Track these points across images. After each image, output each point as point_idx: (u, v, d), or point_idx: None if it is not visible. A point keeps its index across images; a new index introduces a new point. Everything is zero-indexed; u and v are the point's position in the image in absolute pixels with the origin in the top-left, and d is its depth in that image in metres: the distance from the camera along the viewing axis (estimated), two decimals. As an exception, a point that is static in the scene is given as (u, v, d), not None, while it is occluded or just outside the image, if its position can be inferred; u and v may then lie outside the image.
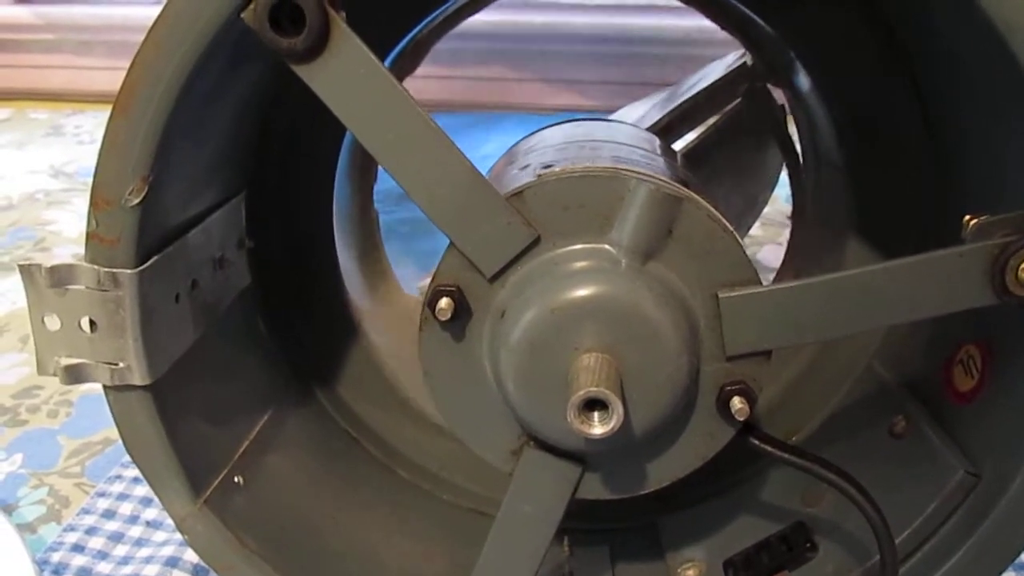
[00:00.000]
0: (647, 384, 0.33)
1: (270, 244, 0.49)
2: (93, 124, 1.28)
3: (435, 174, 0.33)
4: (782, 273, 0.57)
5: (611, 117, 0.57)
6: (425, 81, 1.18)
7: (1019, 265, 0.33)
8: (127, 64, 0.33)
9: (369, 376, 0.53)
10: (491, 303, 0.34)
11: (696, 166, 0.53)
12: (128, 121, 0.33)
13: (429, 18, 0.49)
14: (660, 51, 1.14)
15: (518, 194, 0.33)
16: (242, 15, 0.32)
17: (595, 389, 0.30)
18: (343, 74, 0.32)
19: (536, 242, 0.33)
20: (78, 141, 1.23)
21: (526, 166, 0.37)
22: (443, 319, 0.34)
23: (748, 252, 0.74)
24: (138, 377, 0.37)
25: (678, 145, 0.55)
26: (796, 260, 0.55)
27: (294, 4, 0.31)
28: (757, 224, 0.81)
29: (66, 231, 0.99)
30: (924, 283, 0.33)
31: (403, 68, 0.55)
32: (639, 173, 0.34)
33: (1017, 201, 0.35)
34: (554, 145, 0.40)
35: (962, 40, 0.36)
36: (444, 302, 0.34)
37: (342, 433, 0.52)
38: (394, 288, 0.60)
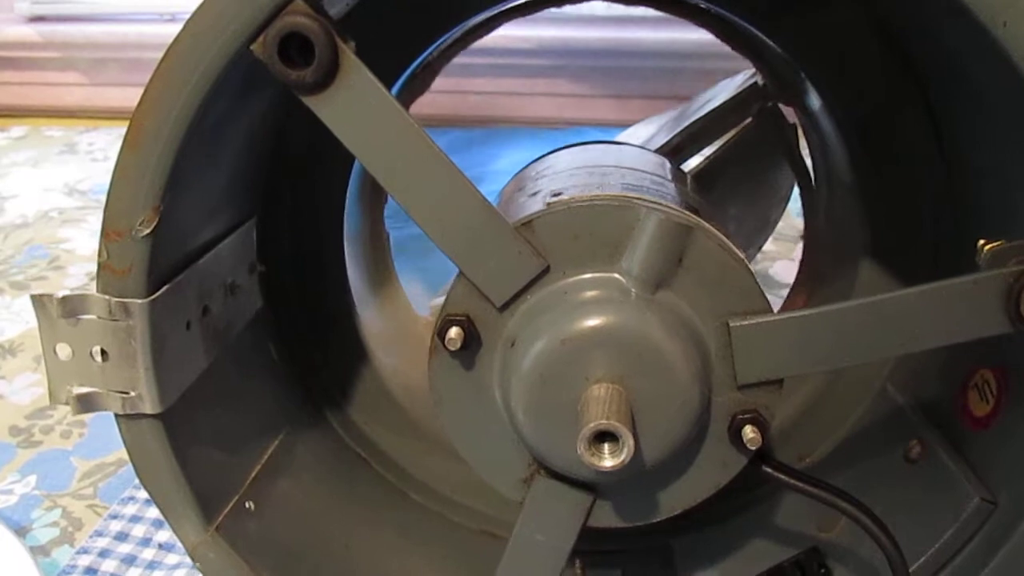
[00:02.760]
0: (659, 414, 0.33)
1: (281, 268, 0.49)
2: (107, 141, 1.29)
3: (445, 204, 0.33)
4: (794, 293, 0.56)
5: (620, 138, 0.57)
6: (437, 95, 1.19)
7: (1034, 293, 0.32)
8: (140, 81, 0.33)
9: (380, 398, 0.53)
10: (501, 332, 0.34)
11: (707, 186, 0.52)
12: (138, 155, 0.33)
13: (439, 42, 0.49)
14: (672, 65, 1.14)
15: (527, 224, 0.33)
16: (251, 47, 0.32)
17: (605, 422, 0.29)
18: (352, 106, 0.32)
19: (546, 271, 0.33)
20: (92, 159, 1.24)
21: (535, 193, 0.37)
22: (453, 348, 0.33)
23: (760, 267, 0.73)
24: (149, 406, 0.37)
25: (690, 163, 0.55)
26: (808, 280, 0.55)
27: (303, 36, 0.31)
28: (769, 239, 0.81)
29: (80, 249, 0.99)
30: (938, 311, 0.33)
31: (414, 89, 0.55)
32: (649, 201, 0.34)
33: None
34: (563, 171, 0.40)
35: (976, 66, 0.35)
36: (454, 331, 0.33)
37: (353, 456, 0.52)
38: (405, 309, 0.60)
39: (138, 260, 0.35)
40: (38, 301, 0.36)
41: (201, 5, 0.31)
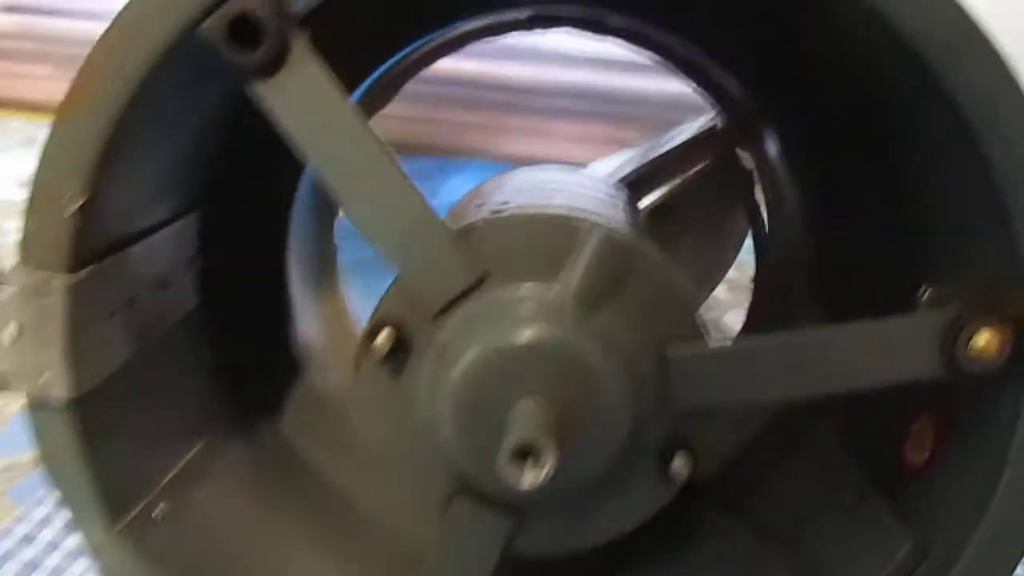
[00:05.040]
0: (586, 435, 0.32)
1: (222, 268, 0.47)
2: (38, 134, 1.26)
3: (385, 204, 0.32)
4: (741, 336, 0.56)
5: (584, 171, 0.57)
6: (406, 122, 1.18)
7: (970, 338, 0.32)
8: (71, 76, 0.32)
9: (313, 412, 0.52)
10: (433, 341, 0.33)
11: (661, 223, 0.52)
12: (73, 124, 0.32)
13: (399, 56, 0.49)
14: (648, 112, 1.15)
15: (467, 231, 0.32)
16: (202, 27, 0.31)
17: (529, 435, 0.28)
18: (298, 93, 0.31)
19: (483, 281, 0.33)
20: (51, 156, 1.20)
21: (481, 205, 0.37)
22: (381, 354, 0.32)
23: (713, 316, 0.73)
24: (60, 391, 0.35)
25: (646, 200, 0.55)
26: (756, 325, 0.55)
27: (254, 20, 0.30)
28: (724, 287, 0.81)
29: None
30: (874, 350, 0.33)
31: (373, 103, 0.54)
32: (594, 215, 0.33)
33: (974, 273, 0.35)
34: (514, 186, 0.39)
35: (925, 114, 0.36)
36: (383, 336, 0.33)
37: (280, 468, 0.50)
38: (347, 323, 0.59)
39: (63, 236, 0.34)
40: (-47, 272, 0.34)
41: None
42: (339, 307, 0.59)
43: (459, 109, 1.18)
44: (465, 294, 0.33)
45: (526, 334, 0.31)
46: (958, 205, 0.37)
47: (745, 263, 0.73)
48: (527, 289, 0.32)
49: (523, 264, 0.32)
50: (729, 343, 0.33)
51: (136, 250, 0.39)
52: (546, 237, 0.32)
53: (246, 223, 0.48)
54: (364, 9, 0.45)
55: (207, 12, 0.31)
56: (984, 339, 0.32)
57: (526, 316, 0.32)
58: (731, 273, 0.69)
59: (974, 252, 0.35)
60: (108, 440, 0.38)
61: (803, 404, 0.44)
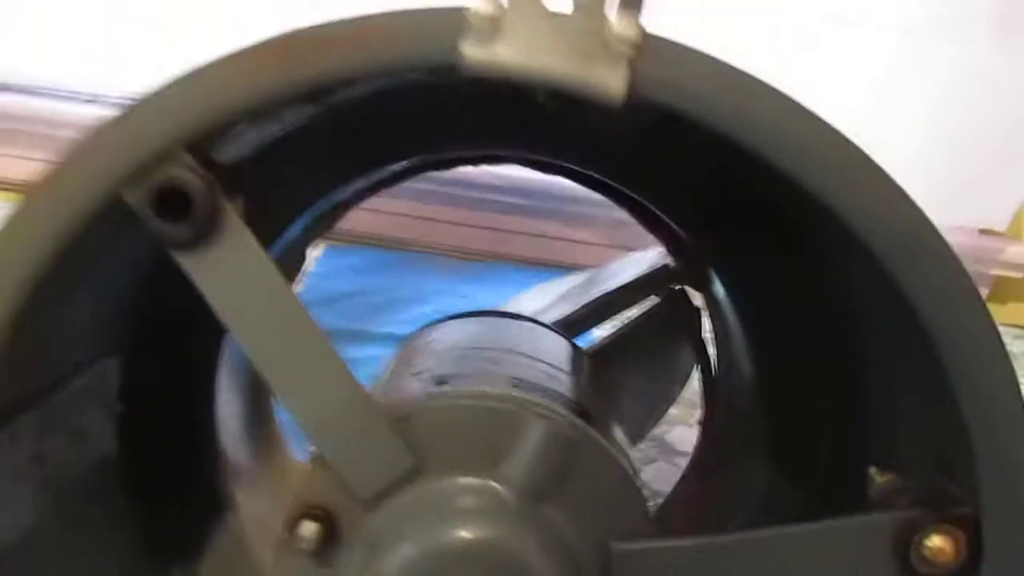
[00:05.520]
0: (523, 642, 0.30)
1: (144, 409, 0.44)
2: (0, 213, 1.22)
3: (315, 385, 0.30)
4: (687, 477, 0.55)
5: (522, 300, 0.56)
6: (353, 212, 1.17)
7: (923, 542, 0.31)
8: (45, 158, 0.29)
9: (237, 554, 0.49)
10: (364, 532, 0.31)
11: (607, 363, 0.51)
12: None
13: (351, 187, 0.47)
14: (592, 212, 1.16)
15: (404, 417, 0.30)
16: (127, 196, 0.29)
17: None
18: (227, 269, 0.29)
19: (419, 471, 0.31)
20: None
21: (418, 372, 0.35)
22: (307, 547, 0.30)
23: (657, 432, 0.71)
24: (-48, 570, 0.32)
25: (593, 332, 0.54)
26: (702, 467, 0.53)
27: (182, 190, 0.29)
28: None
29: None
30: (828, 551, 0.31)
31: (322, 227, 0.52)
32: (537, 404, 0.32)
33: (918, 461, 0.34)
34: (452, 350, 0.37)
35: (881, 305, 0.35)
36: (310, 528, 0.30)
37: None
38: (280, 452, 0.56)
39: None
40: None
41: (79, 144, 0.29)
42: (272, 432, 0.56)
43: (409, 201, 1.16)
44: (399, 484, 0.30)
45: (463, 534, 0.30)
46: (905, 392, 0.36)
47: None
48: (465, 482, 0.30)
49: (463, 454, 0.31)
50: (676, 541, 0.31)
51: (48, 403, 0.36)
52: (487, 427, 0.30)
53: (173, 367, 0.46)
54: (313, 148, 0.44)
55: (135, 179, 0.29)
56: (938, 543, 0.31)
57: (464, 513, 0.30)
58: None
59: (918, 439, 0.35)
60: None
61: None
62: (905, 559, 0.31)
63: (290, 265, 0.51)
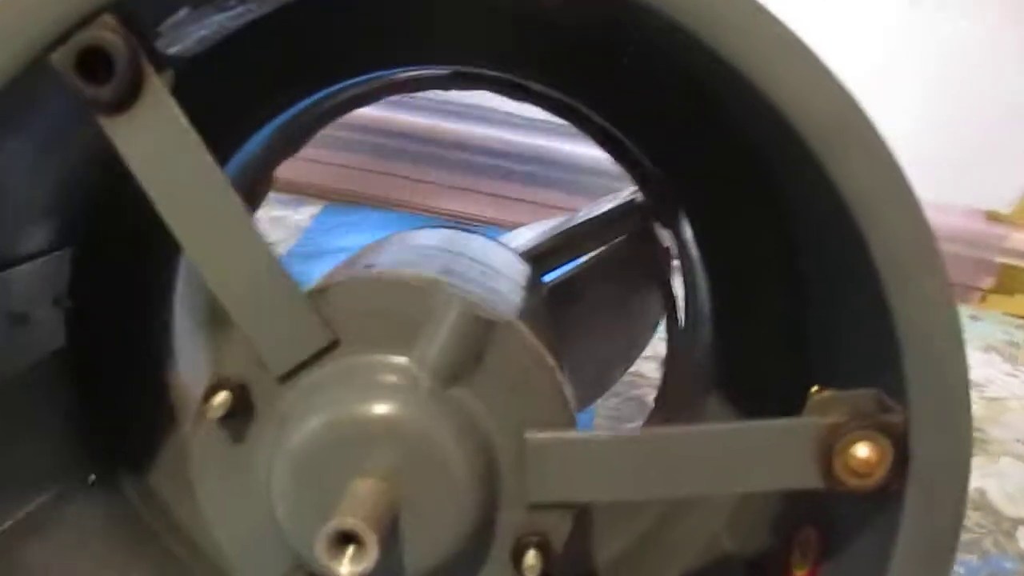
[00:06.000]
0: (428, 522, 0.29)
1: (96, 305, 0.45)
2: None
3: (231, 255, 0.30)
4: (648, 422, 0.54)
5: (503, 238, 0.55)
6: (360, 173, 1.17)
7: (846, 450, 0.30)
8: None
9: (185, 473, 0.48)
10: (276, 406, 0.31)
11: (571, 298, 0.50)
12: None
13: (311, 101, 0.47)
14: (592, 182, 1.15)
15: (322, 291, 0.30)
16: (52, 56, 0.29)
17: (350, 520, 0.26)
18: (147, 133, 0.29)
19: (334, 346, 0.30)
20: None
21: (353, 262, 0.34)
22: (215, 415, 0.30)
23: (638, 392, 0.70)
24: None
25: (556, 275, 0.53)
26: (661, 410, 0.53)
27: (105, 52, 0.29)
28: (654, 364, 0.79)
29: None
30: (747, 454, 0.31)
31: (284, 147, 0.52)
32: (459, 289, 0.31)
33: (853, 377, 0.33)
34: (396, 248, 0.37)
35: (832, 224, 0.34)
36: (221, 397, 0.30)
37: (142, 526, 0.47)
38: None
39: None
40: None
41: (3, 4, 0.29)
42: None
43: (409, 164, 1.16)
44: (313, 359, 0.30)
45: (371, 408, 0.29)
46: (849, 312, 0.35)
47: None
48: (379, 359, 0.30)
49: (378, 331, 0.30)
50: (593, 434, 0.31)
51: (-14, 284, 0.36)
52: (404, 304, 0.30)
53: (128, 262, 0.46)
54: (269, 55, 0.43)
55: (58, 40, 0.29)
56: (863, 452, 0.30)
57: (375, 388, 0.30)
58: (661, 348, 0.68)
59: (859, 358, 0.34)
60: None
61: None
62: (828, 466, 0.30)
63: (254, 183, 0.50)
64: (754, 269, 0.45)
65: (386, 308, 0.30)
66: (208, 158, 0.30)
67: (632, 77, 0.42)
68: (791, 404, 0.44)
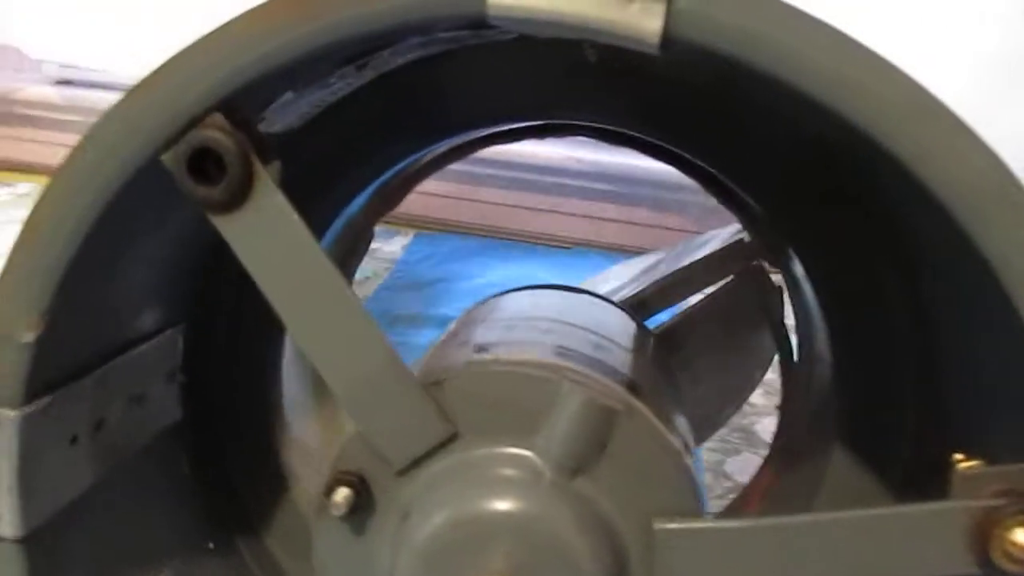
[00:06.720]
0: (559, 621, 0.28)
1: (209, 377, 0.45)
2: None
3: (348, 352, 0.29)
4: (765, 466, 0.52)
5: (597, 279, 0.54)
6: (441, 200, 1.17)
7: (1005, 536, 0.28)
8: None
9: (301, 527, 0.49)
10: (397, 499, 0.30)
11: (680, 342, 0.49)
12: (29, 256, 0.30)
13: (410, 161, 0.47)
14: (682, 197, 1.13)
15: (438, 383, 0.29)
16: (162, 157, 0.29)
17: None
18: (260, 231, 0.29)
19: (453, 438, 0.30)
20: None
21: (464, 342, 0.34)
22: (339, 513, 0.29)
23: (744, 422, 0.68)
24: (8, 530, 0.33)
25: (665, 316, 0.52)
26: (780, 454, 0.51)
27: (215, 153, 0.29)
28: (759, 391, 0.76)
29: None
30: (895, 542, 0.29)
31: (387, 201, 0.52)
32: (579, 374, 0.30)
33: (1009, 450, 0.31)
34: (501, 320, 0.36)
35: (961, 269, 0.32)
36: (343, 494, 0.30)
37: (261, 589, 0.47)
38: (344, 429, 0.56)
39: (15, 367, 0.32)
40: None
41: (110, 110, 0.29)
42: (338, 420, 0.56)
43: (492, 188, 1.16)
44: (433, 452, 0.30)
45: (496, 505, 0.28)
46: (989, 368, 0.33)
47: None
48: (500, 452, 0.29)
49: (498, 422, 0.29)
50: (726, 522, 0.29)
51: (107, 370, 0.37)
52: (523, 395, 0.29)
53: (241, 327, 0.46)
54: (369, 118, 0.43)
55: (169, 142, 0.29)
56: (1021, 536, 0.28)
57: (498, 483, 0.29)
58: (769, 374, 0.65)
59: (1010, 427, 0.31)
60: (65, 573, 0.36)
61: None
62: (984, 552, 0.28)
63: (354, 242, 0.50)
64: (874, 304, 0.42)
65: (505, 399, 0.29)
66: (320, 253, 0.29)
67: (743, 128, 0.40)
68: (923, 457, 0.42)
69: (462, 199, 1.18)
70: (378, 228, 0.53)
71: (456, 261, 1.06)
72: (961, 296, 0.36)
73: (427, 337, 0.60)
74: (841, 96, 0.25)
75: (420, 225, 1.13)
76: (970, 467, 0.30)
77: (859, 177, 0.39)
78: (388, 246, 1.07)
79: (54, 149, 1.27)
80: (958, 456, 0.31)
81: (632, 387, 0.32)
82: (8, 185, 1.30)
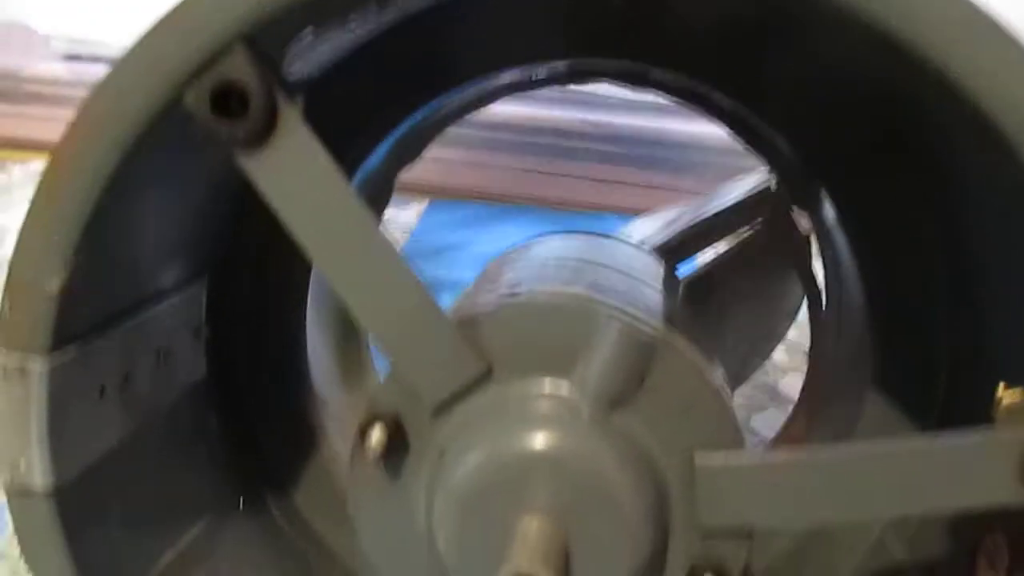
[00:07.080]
0: (601, 557, 0.28)
1: (234, 334, 0.45)
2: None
3: (378, 288, 0.29)
4: (795, 415, 0.51)
5: (624, 231, 0.53)
6: (461, 167, 1.16)
7: (1054, 462, 0.27)
8: None
9: (332, 487, 0.49)
10: (432, 440, 0.30)
11: (705, 293, 0.48)
12: (53, 204, 0.30)
13: (429, 109, 0.46)
14: (700, 158, 1.11)
15: (471, 319, 0.29)
16: (185, 96, 0.28)
17: (526, 565, 0.25)
18: (286, 167, 0.29)
19: (488, 375, 0.29)
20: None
21: (495, 285, 0.33)
22: (375, 453, 0.29)
23: (768, 380, 0.68)
24: (40, 482, 0.33)
25: (691, 266, 0.51)
26: (810, 402, 0.50)
27: (239, 89, 0.28)
28: (781, 349, 0.75)
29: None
30: (939, 472, 0.28)
31: (405, 155, 0.51)
32: (614, 308, 0.29)
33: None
34: (532, 262, 0.36)
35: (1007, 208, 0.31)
36: (378, 433, 0.29)
37: (291, 549, 0.47)
38: (372, 383, 0.55)
39: (42, 316, 0.31)
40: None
41: (129, 50, 0.28)
42: (365, 370, 0.56)
43: (508, 154, 1.15)
44: (468, 390, 0.29)
45: (534, 442, 0.28)
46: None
47: (804, 322, 0.68)
48: (536, 387, 0.29)
49: (533, 358, 0.29)
50: (769, 455, 0.29)
51: (133, 323, 0.36)
52: (559, 328, 0.29)
53: (257, 286, 0.46)
54: (389, 65, 0.43)
55: (191, 78, 0.28)
56: (1071, 463, 0.27)
57: (535, 419, 0.28)
58: (790, 333, 0.65)
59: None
60: (96, 527, 0.35)
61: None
62: (1032, 481, 0.28)
63: (377, 193, 0.50)
64: (911, 248, 0.42)
65: (540, 333, 0.29)
66: (349, 189, 0.29)
67: (779, 70, 0.39)
68: (958, 400, 0.41)
69: (476, 165, 1.17)
70: (393, 197, 0.52)
71: (472, 227, 1.05)
72: (1006, 235, 0.35)
73: (446, 302, 0.59)
74: (890, 10, 0.24)
75: (435, 193, 1.13)
76: (1013, 400, 0.30)
77: (900, 117, 0.38)
78: (403, 215, 1.06)
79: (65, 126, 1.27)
80: (1002, 388, 0.31)
81: (669, 322, 0.31)
82: (22, 163, 1.30)
